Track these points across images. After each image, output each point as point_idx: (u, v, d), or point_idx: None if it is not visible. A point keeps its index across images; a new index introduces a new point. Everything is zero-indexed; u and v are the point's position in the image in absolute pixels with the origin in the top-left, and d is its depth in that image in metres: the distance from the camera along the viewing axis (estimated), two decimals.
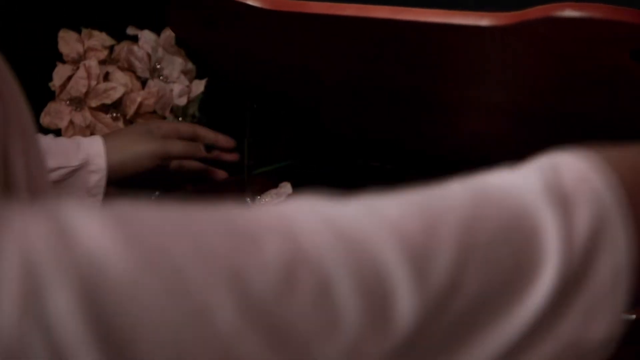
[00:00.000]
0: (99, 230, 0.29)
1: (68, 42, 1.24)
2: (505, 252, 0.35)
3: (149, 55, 1.26)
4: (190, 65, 1.31)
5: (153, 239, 0.29)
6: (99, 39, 1.25)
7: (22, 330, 0.27)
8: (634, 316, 0.75)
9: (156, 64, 1.27)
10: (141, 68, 1.25)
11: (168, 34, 1.29)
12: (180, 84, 1.27)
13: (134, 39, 1.27)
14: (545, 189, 0.37)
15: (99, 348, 0.28)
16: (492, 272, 0.35)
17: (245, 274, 0.29)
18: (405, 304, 0.32)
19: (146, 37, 1.26)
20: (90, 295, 0.28)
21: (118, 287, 0.28)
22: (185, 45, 1.31)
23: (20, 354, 0.27)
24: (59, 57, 1.24)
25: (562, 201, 0.36)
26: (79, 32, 1.25)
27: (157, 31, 1.28)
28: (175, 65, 1.28)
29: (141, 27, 1.28)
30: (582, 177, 0.37)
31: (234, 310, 0.29)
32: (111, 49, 1.26)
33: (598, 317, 0.37)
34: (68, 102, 1.21)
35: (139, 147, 1.05)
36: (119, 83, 1.22)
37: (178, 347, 0.28)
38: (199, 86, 1.29)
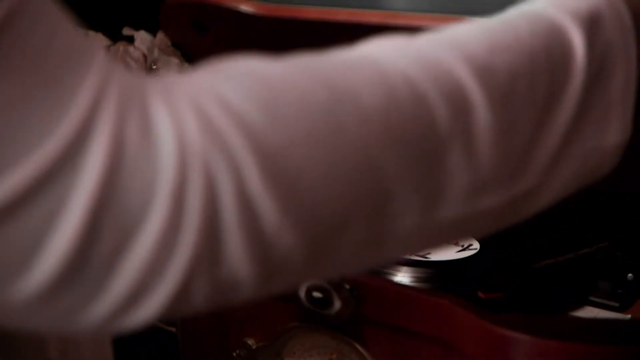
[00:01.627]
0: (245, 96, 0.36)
1: None
2: (546, 62, 0.42)
3: (144, 56, 1.26)
4: (186, 66, 1.31)
5: (290, 95, 0.36)
6: (95, 40, 1.25)
7: (208, 154, 0.33)
8: (629, 316, 0.76)
9: (152, 64, 1.26)
10: (137, 69, 1.24)
11: (164, 34, 1.29)
12: None
13: (130, 40, 1.27)
14: (578, 13, 0.43)
15: (265, 172, 0.34)
16: (538, 78, 0.41)
17: (360, 99, 0.37)
18: (482, 113, 0.39)
19: (142, 37, 1.26)
20: (255, 136, 0.34)
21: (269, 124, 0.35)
22: (181, 45, 1.31)
23: (212, 175, 0.33)
24: None
25: (590, 22, 0.43)
26: None
27: (153, 32, 1.28)
28: (172, 66, 1.28)
29: (137, 28, 1.28)
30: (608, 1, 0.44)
31: (357, 123, 0.37)
32: (107, 49, 1.26)
33: (612, 121, 0.43)
34: None
35: None
36: None
37: (324, 159, 0.36)
38: None
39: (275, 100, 0.36)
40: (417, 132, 0.38)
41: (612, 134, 0.43)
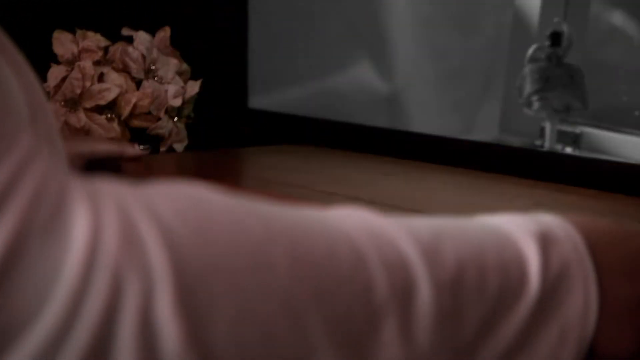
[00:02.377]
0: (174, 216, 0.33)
1: (63, 42, 1.23)
2: (497, 263, 0.40)
3: (143, 56, 1.26)
4: (185, 66, 1.31)
5: (225, 231, 0.34)
6: (94, 40, 1.24)
7: (121, 262, 0.31)
8: None
9: (151, 64, 1.26)
10: (136, 69, 1.24)
11: (163, 34, 1.29)
12: (175, 85, 1.27)
13: (129, 40, 1.27)
14: (531, 230, 0.42)
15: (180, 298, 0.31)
16: (488, 279, 0.40)
17: (296, 244, 0.35)
18: (425, 293, 0.37)
19: (141, 38, 1.26)
20: (176, 256, 0.32)
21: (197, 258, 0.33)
22: (180, 46, 1.31)
23: (120, 285, 0.30)
24: (54, 58, 1.24)
25: (544, 239, 0.42)
26: (74, 32, 1.25)
27: (152, 32, 1.28)
28: (170, 66, 1.28)
29: (136, 28, 1.27)
30: (560, 226, 0.43)
31: (287, 267, 0.34)
32: (106, 49, 1.26)
33: (568, 346, 0.41)
34: (63, 103, 1.21)
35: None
36: (114, 84, 1.21)
37: (246, 296, 0.33)
38: (193, 87, 1.29)
39: (207, 223, 0.34)
40: (351, 293, 0.35)
41: (567, 354, 0.41)
